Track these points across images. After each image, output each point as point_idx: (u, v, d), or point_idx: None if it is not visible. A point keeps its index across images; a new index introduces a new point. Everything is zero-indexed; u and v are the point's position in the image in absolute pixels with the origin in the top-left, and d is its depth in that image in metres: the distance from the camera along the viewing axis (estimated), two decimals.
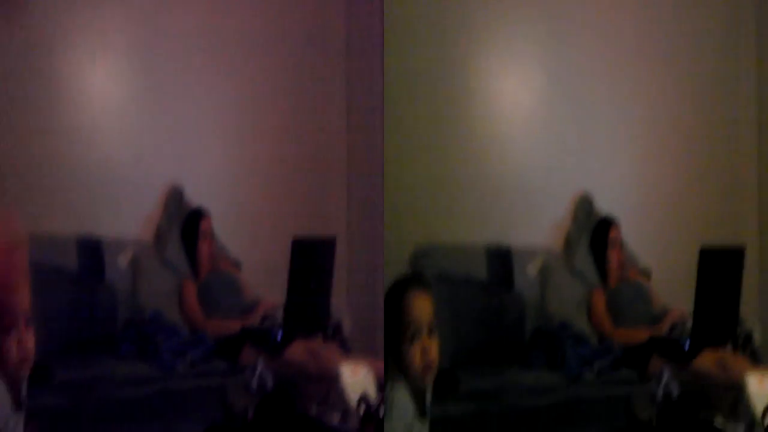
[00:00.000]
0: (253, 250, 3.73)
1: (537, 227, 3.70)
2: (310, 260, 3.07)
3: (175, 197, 3.74)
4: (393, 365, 2.38)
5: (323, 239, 3.18)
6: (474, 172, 3.64)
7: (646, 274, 3.69)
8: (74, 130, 3.56)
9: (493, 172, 3.68)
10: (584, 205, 3.71)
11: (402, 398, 2.31)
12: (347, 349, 3.23)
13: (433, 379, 2.33)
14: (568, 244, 3.69)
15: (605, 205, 3.72)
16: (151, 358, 3.15)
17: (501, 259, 3.55)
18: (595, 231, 3.66)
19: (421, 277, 2.47)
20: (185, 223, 3.67)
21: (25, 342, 2.11)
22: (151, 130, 3.71)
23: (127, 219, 3.66)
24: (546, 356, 3.22)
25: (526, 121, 3.78)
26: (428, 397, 2.36)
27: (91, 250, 3.47)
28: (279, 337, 3.04)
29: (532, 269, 3.57)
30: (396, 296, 2.36)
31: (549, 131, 3.78)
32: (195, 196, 3.75)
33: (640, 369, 3.12)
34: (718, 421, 2.85)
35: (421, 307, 2.32)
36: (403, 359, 2.31)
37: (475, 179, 3.64)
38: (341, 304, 3.45)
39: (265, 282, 3.57)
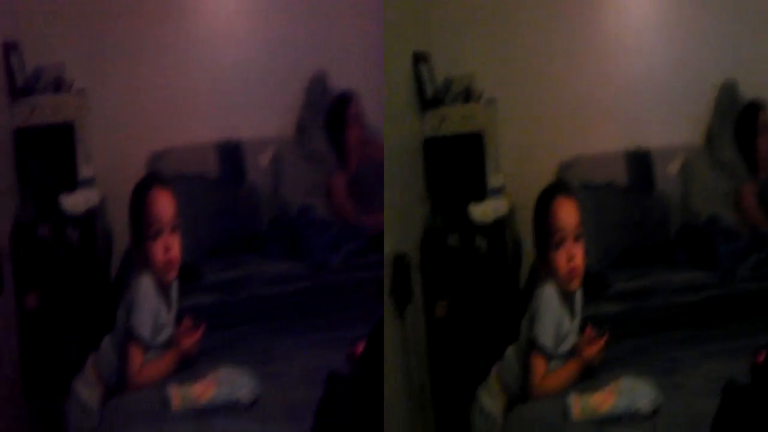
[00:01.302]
0: None
1: (676, 125, 3.62)
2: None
3: (318, 83, 3.61)
4: (542, 267, 2.48)
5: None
6: (605, 80, 3.64)
7: None
8: None
9: (624, 75, 3.66)
10: (728, 93, 3.53)
11: (550, 298, 2.41)
12: None
13: (579, 284, 2.44)
14: (711, 136, 3.54)
15: (751, 90, 3.53)
16: (302, 254, 3.06)
17: (640, 162, 3.51)
18: (740, 118, 3.45)
19: (566, 185, 2.55)
20: (330, 109, 3.48)
21: (171, 247, 2.36)
22: None
23: (268, 115, 3.62)
24: (693, 254, 3.13)
25: (655, 12, 3.69)
26: (577, 299, 2.47)
27: (231, 154, 3.48)
28: None
29: (673, 168, 3.50)
30: (543, 203, 2.48)
31: (680, 21, 3.67)
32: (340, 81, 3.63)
33: None
34: None
35: (567, 213, 2.43)
36: (550, 264, 2.44)
37: (606, 85, 3.64)
38: None
39: None
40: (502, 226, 3.12)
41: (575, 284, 2.42)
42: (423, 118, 3.18)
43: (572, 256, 2.39)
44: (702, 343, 2.61)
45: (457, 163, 3.15)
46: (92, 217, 3.03)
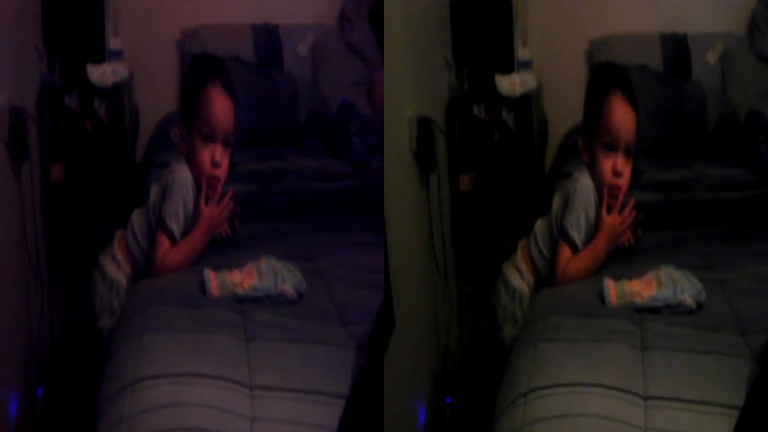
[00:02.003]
0: None
1: (715, 10, 3.37)
2: None
3: None
4: (585, 152, 2.28)
5: None
6: None
7: None
8: None
9: None
10: None
11: (585, 191, 2.24)
12: None
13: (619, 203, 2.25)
14: (754, 26, 3.30)
15: None
16: (342, 152, 2.93)
17: (677, 46, 3.30)
18: None
19: (630, 84, 2.27)
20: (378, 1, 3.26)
21: (221, 163, 2.22)
22: None
23: (308, 1, 3.42)
24: (733, 150, 2.96)
25: None
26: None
27: (273, 38, 3.29)
28: None
29: (712, 56, 3.28)
30: (599, 91, 2.25)
31: None
32: None
33: None
34: None
35: (623, 119, 2.22)
36: (595, 161, 2.25)
37: None
38: None
39: None
40: (529, 102, 2.97)
41: (613, 203, 2.26)
42: None
43: (619, 172, 2.24)
44: (742, 241, 2.46)
45: (484, 31, 2.99)
46: (120, 91, 2.95)
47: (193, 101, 2.22)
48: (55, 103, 2.83)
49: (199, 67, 2.33)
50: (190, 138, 2.23)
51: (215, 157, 2.21)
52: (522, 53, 3.02)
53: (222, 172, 2.24)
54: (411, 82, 2.58)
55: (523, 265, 2.35)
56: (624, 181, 2.26)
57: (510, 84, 2.92)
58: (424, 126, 2.62)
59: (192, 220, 2.23)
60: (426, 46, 2.78)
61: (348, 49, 3.33)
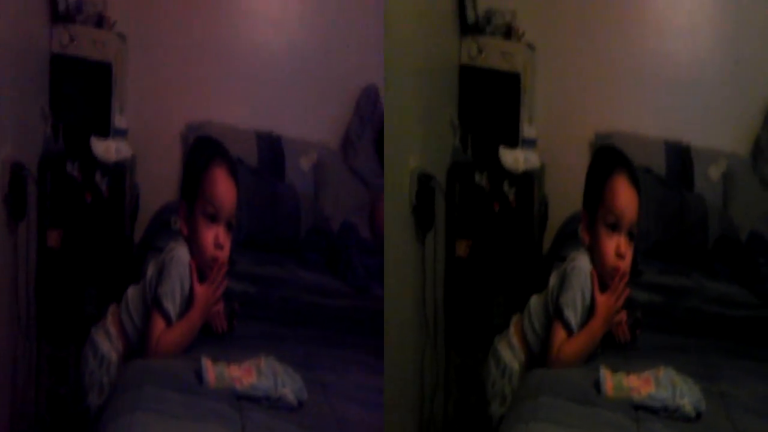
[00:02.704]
0: None
1: (720, 128, 3.33)
2: None
3: (369, 98, 3.38)
4: (586, 234, 2.18)
5: None
6: (652, 62, 3.35)
7: None
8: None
9: (673, 64, 3.36)
10: None
11: (583, 272, 2.14)
12: None
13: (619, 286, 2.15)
14: (758, 148, 3.27)
15: None
16: (342, 273, 2.89)
17: (680, 156, 3.24)
18: None
19: (632, 167, 2.20)
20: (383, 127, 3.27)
21: (224, 245, 2.17)
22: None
23: (313, 120, 3.42)
24: (733, 268, 2.88)
25: (717, 7, 3.39)
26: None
27: (273, 148, 3.28)
28: None
29: (715, 172, 3.22)
30: (602, 171, 2.17)
31: (740, 21, 3.36)
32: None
33: None
34: None
35: (628, 199, 2.14)
36: (597, 242, 2.15)
37: (653, 69, 3.35)
38: None
39: None
40: (531, 179, 2.93)
41: (611, 283, 2.16)
42: (462, 42, 3.01)
43: (622, 254, 2.16)
44: (743, 358, 2.35)
45: (491, 100, 2.98)
46: (122, 169, 2.96)
47: (197, 180, 2.19)
48: (57, 168, 2.81)
49: (203, 147, 2.30)
50: (192, 219, 2.18)
51: (219, 238, 2.17)
52: (528, 131, 2.99)
53: (225, 255, 2.17)
54: (415, 134, 2.54)
55: (515, 341, 2.25)
56: (626, 265, 2.17)
57: (514, 159, 2.88)
58: (424, 182, 2.55)
59: (188, 302, 2.15)
60: (433, 102, 2.74)
61: (351, 173, 3.33)
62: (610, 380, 1.97)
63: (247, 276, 2.59)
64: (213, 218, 2.16)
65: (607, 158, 2.23)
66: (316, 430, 1.86)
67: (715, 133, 3.33)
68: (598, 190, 2.17)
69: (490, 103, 2.95)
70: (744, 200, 3.16)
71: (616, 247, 2.14)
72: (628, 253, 2.16)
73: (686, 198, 3.06)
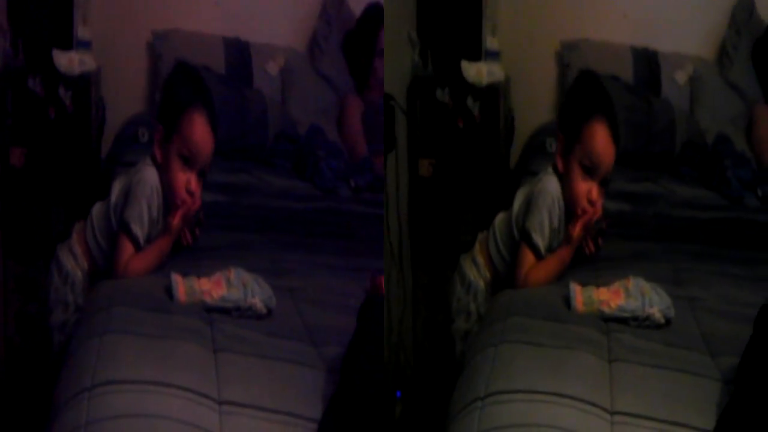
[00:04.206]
0: None
1: (686, 32, 3.28)
2: None
3: (335, 1, 3.31)
4: (560, 159, 2.14)
5: None
6: None
7: None
8: None
9: None
10: (745, 8, 3.21)
11: (551, 196, 2.12)
12: None
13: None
14: (724, 52, 3.23)
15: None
16: (310, 176, 2.88)
17: (648, 62, 3.20)
18: (764, 37, 3.13)
19: (615, 116, 2.15)
20: (356, 32, 3.23)
21: (194, 192, 2.16)
22: None
23: (280, 24, 3.34)
24: (700, 172, 2.88)
25: None
26: None
27: (240, 54, 3.22)
28: None
29: (682, 76, 3.18)
30: (583, 110, 2.13)
31: None
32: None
33: None
34: None
35: (606, 149, 2.11)
36: (568, 177, 2.13)
37: None
38: None
39: None
40: (496, 92, 2.84)
41: (580, 229, 2.15)
42: None
43: (593, 202, 2.14)
44: (711, 261, 2.35)
45: (452, 13, 2.87)
46: (87, 82, 2.85)
47: (176, 117, 2.17)
48: (18, 84, 2.72)
49: (185, 82, 2.26)
50: (167, 151, 2.17)
51: (190, 183, 2.15)
52: (490, 43, 2.90)
53: (196, 203, 2.17)
54: None
55: (480, 259, 2.24)
56: (597, 211, 2.15)
57: (477, 72, 2.80)
58: (384, 102, 2.50)
59: (155, 227, 2.15)
60: (389, 15, 2.65)
61: (318, 76, 3.28)
62: (579, 295, 1.96)
63: (216, 185, 2.57)
64: (187, 162, 2.15)
65: (590, 96, 2.18)
66: (285, 336, 1.87)
67: (682, 37, 3.28)
68: (578, 126, 2.13)
69: (450, 15, 2.85)
70: (710, 104, 3.14)
71: (588, 192, 2.12)
72: (600, 200, 2.14)
73: (654, 104, 3.02)
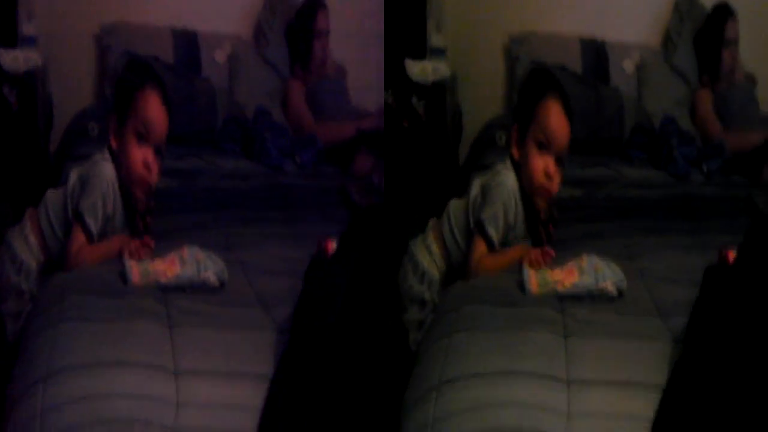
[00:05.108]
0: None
1: (633, 22, 3.37)
2: None
3: None
4: (516, 148, 2.16)
5: None
6: None
7: (752, 79, 3.31)
8: None
9: None
10: None
11: (507, 188, 2.14)
12: None
13: (546, 206, 2.16)
14: (669, 39, 3.32)
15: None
16: (257, 156, 2.99)
17: (596, 52, 3.28)
18: (708, 23, 3.22)
19: (567, 96, 2.18)
20: (298, 17, 3.31)
21: (152, 169, 2.16)
22: None
23: (226, 12, 3.41)
24: (648, 153, 2.96)
25: None
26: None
27: (188, 43, 3.29)
28: None
29: (629, 65, 3.27)
30: (536, 92, 2.16)
31: None
32: None
33: (752, 175, 2.82)
34: None
35: (560, 124, 2.13)
36: (524, 161, 2.14)
37: None
38: None
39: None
40: (442, 90, 2.86)
41: (540, 204, 2.16)
42: None
43: (551, 175, 2.14)
44: (660, 233, 2.43)
45: (393, 10, 2.86)
46: (32, 79, 2.85)
47: (129, 98, 2.18)
48: None
49: (138, 69, 2.33)
50: (122, 135, 2.17)
51: (147, 158, 2.16)
52: (435, 39, 2.90)
53: (153, 178, 2.18)
54: None
55: (434, 247, 2.21)
56: (554, 187, 2.16)
57: (421, 70, 2.80)
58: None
59: (109, 223, 2.15)
60: None
61: (263, 62, 3.38)
62: (533, 278, 1.97)
63: (168, 171, 2.59)
64: (143, 138, 2.15)
65: (542, 80, 2.22)
66: (237, 305, 1.93)
67: (628, 27, 3.36)
68: (531, 108, 2.15)
69: (393, 11, 2.82)
70: (657, 89, 3.22)
71: (545, 166, 2.13)
72: (557, 176, 2.15)
73: (602, 92, 3.09)
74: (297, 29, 3.29)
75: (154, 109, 2.17)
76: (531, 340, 1.77)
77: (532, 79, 2.27)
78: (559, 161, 2.15)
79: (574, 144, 2.82)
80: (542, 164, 2.13)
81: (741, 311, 1.65)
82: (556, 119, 2.13)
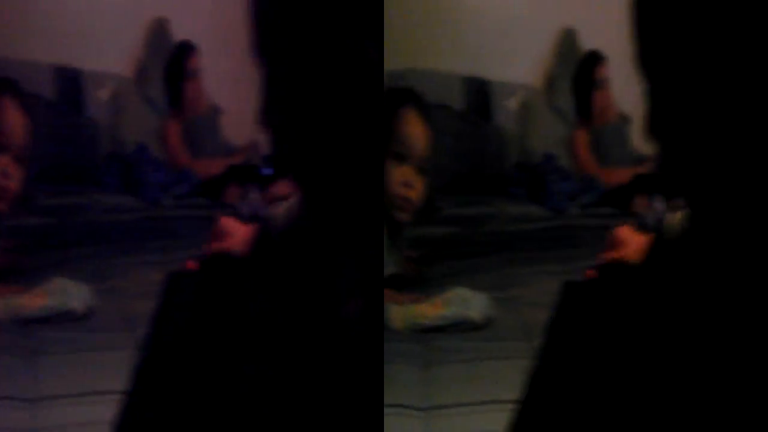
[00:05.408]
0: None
1: (516, 62, 3.46)
2: None
3: (159, 31, 3.55)
4: None
5: None
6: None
7: (626, 119, 3.47)
8: None
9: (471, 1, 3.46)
10: (567, 40, 3.46)
11: None
12: None
13: (408, 218, 2.16)
14: (550, 80, 3.47)
15: (590, 41, 3.42)
16: (135, 190, 3.14)
17: (478, 90, 3.36)
18: (579, 69, 3.38)
19: (423, 105, 2.22)
20: (170, 59, 3.45)
21: (11, 176, 2.11)
22: None
23: (108, 52, 3.47)
24: (528, 190, 3.08)
25: None
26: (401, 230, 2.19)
27: (70, 81, 3.35)
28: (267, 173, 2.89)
29: (512, 104, 3.37)
30: (390, 109, 2.15)
31: None
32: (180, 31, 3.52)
33: (623, 206, 2.94)
34: None
35: (417, 132, 2.15)
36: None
37: (451, 6, 3.43)
38: None
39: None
40: None
41: (403, 217, 2.16)
42: None
43: (410, 183, 2.13)
44: (534, 263, 2.51)
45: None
46: None
47: None
48: None
49: None
50: None
51: (5, 167, 2.12)
52: None
53: (12, 185, 2.13)
54: None
55: None
56: (415, 195, 2.14)
57: None
58: None
59: None
60: None
61: (144, 100, 3.51)
62: (395, 313, 1.98)
63: (45, 208, 2.73)
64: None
65: (395, 97, 2.22)
66: (104, 330, 2.00)
67: (512, 67, 3.45)
68: (386, 129, 2.13)
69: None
70: (539, 128, 3.34)
71: (402, 175, 2.12)
72: (418, 183, 2.14)
73: (484, 130, 3.20)
74: (170, 70, 3.44)
75: (9, 115, 2.15)
76: (388, 374, 1.77)
77: (387, 99, 2.21)
78: (420, 170, 2.15)
79: (456, 180, 2.96)
80: (398, 175, 2.12)
81: (595, 322, 1.70)
82: (412, 126, 2.15)
